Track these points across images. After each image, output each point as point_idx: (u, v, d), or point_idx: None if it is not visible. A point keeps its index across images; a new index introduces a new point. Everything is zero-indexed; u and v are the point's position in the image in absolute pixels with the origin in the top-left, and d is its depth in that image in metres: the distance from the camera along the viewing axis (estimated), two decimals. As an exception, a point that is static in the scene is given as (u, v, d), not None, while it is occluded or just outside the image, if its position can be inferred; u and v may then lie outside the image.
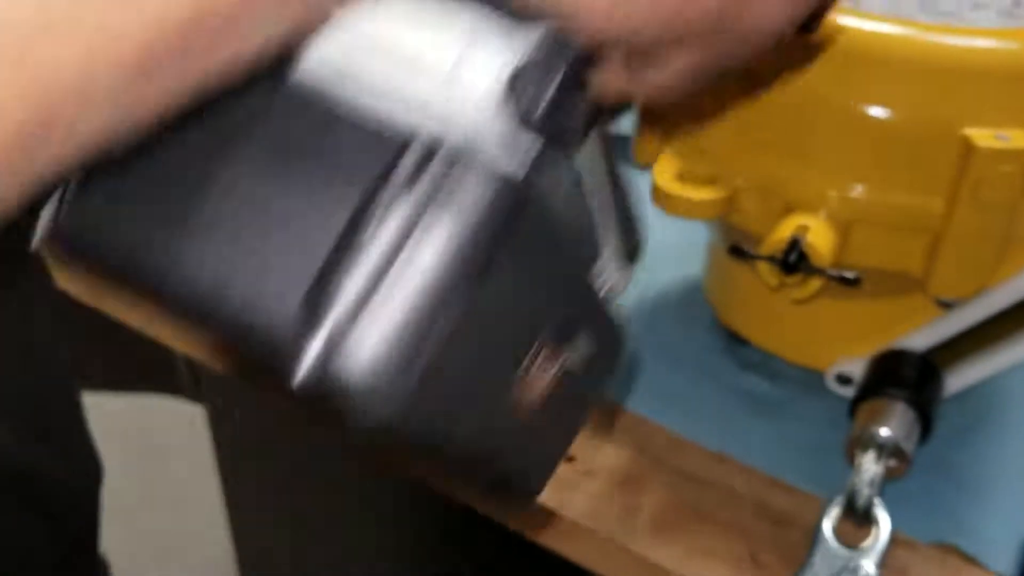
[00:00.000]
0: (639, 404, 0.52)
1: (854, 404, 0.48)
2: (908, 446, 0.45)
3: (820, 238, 0.43)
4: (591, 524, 0.47)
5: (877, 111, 0.42)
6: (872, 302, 0.50)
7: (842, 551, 0.44)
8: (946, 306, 0.48)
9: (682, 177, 0.47)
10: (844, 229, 0.44)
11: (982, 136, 0.41)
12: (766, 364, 0.54)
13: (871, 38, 0.42)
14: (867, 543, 0.44)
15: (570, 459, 0.49)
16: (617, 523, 0.47)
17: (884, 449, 0.45)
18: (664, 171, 0.47)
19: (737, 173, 0.46)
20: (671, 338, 0.56)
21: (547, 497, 0.41)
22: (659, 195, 0.46)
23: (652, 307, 0.57)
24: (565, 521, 0.47)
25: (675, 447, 0.50)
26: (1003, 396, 0.53)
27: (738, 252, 0.45)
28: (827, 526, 0.44)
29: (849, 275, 0.44)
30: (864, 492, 0.44)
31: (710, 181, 0.46)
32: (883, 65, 0.42)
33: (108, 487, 0.88)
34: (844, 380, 0.50)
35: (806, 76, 0.43)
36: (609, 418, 0.51)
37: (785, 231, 0.43)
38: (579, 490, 0.48)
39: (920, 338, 0.49)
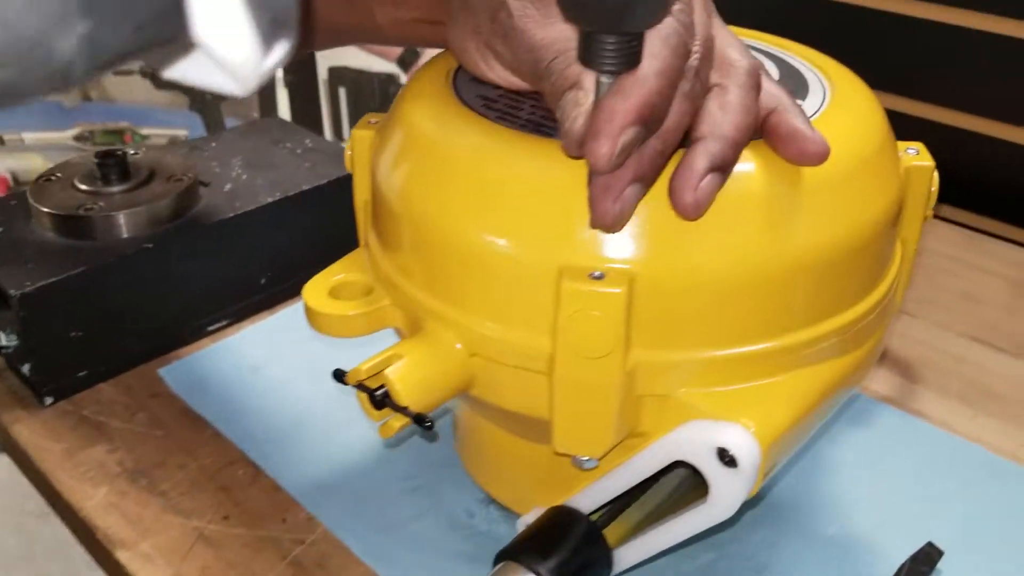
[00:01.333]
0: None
1: (497, 558, 0.42)
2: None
3: (410, 372, 0.38)
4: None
5: (485, 239, 0.37)
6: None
7: None
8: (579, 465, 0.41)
9: (336, 292, 0.44)
10: (464, 364, 0.39)
11: (574, 272, 0.35)
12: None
13: (477, 162, 0.38)
14: None
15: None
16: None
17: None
18: (315, 288, 0.44)
19: (386, 291, 0.43)
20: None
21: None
22: (308, 314, 0.43)
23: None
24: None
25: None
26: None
27: (338, 376, 0.40)
28: None
29: (426, 421, 0.39)
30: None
31: (366, 294, 0.43)
32: (486, 191, 0.38)
33: None
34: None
35: (428, 196, 0.39)
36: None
37: (380, 361, 0.39)
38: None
39: (583, 499, 0.42)
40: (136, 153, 0.65)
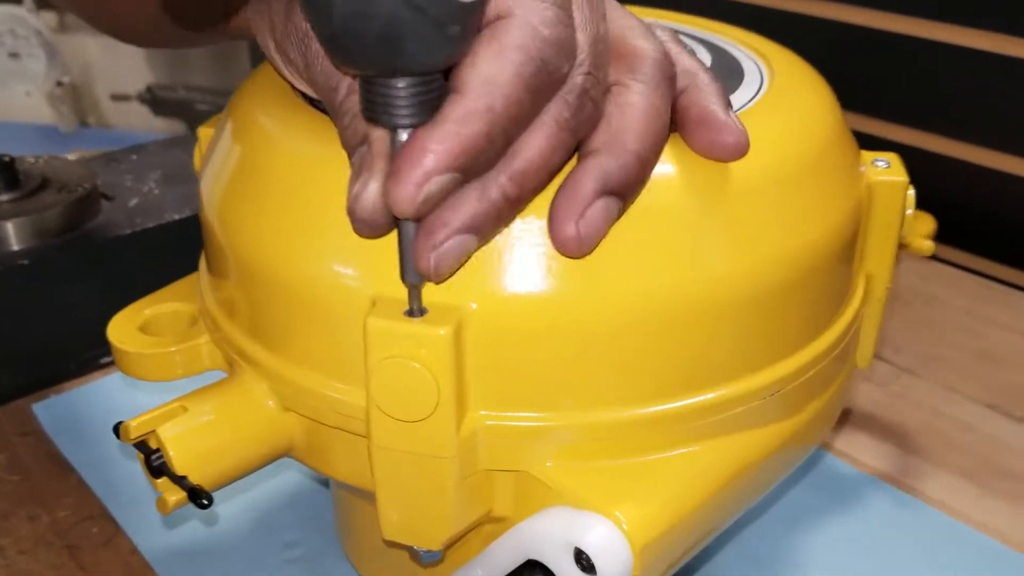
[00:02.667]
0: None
1: None
2: None
3: (191, 432, 0.30)
4: None
5: (296, 264, 0.29)
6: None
7: None
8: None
9: (150, 326, 0.36)
10: (275, 423, 0.31)
11: (386, 307, 0.27)
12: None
13: (279, 169, 0.31)
14: None
15: None
16: None
17: None
18: (124, 321, 0.36)
19: (206, 326, 0.35)
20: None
21: None
22: (114, 353, 0.36)
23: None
24: None
25: None
26: None
27: (116, 431, 0.32)
28: None
29: (202, 498, 0.31)
30: None
31: (189, 326, 0.36)
32: (290, 205, 0.30)
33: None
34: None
35: (242, 209, 0.31)
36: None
37: (156, 416, 0.31)
38: None
39: None
40: (35, 162, 0.58)
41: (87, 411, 0.53)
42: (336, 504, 0.41)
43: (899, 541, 0.46)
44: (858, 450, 0.52)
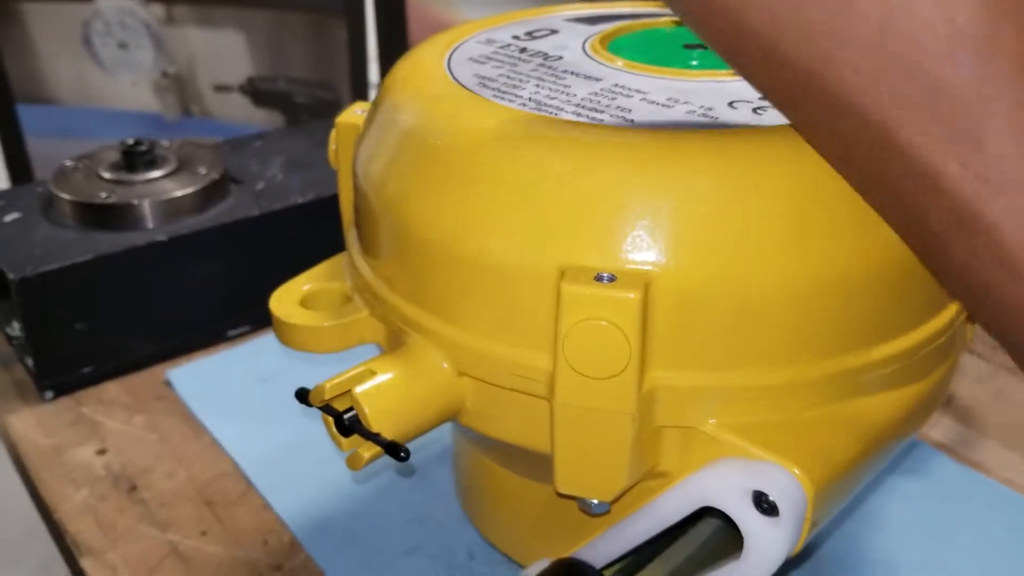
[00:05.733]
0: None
1: None
2: None
3: (384, 393, 0.32)
4: None
5: (474, 238, 0.32)
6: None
7: None
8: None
9: (309, 302, 0.39)
10: (450, 386, 0.33)
11: (577, 274, 0.29)
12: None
13: (462, 152, 0.32)
14: None
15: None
16: None
17: None
18: (285, 296, 0.39)
19: (363, 297, 0.37)
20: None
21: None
22: (275, 325, 0.38)
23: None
24: None
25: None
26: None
27: (301, 396, 0.34)
28: None
29: (400, 451, 0.32)
30: None
31: (343, 304, 0.38)
32: (476, 181, 0.32)
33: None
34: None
35: (410, 188, 0.33)
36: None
37: (348, 378, 0.33)
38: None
39: (593, 551, 0.36)
40: (169, 146, 0.62)
41: (216, 379, 0.57)
42: (468, 477, 0.44)
43: (971, 514, 0.47)
44: (962, 444, 0.53)
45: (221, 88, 1.45)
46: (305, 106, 1.33)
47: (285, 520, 0.47)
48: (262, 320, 0.61)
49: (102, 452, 0.52)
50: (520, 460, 0.38)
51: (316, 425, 0.53)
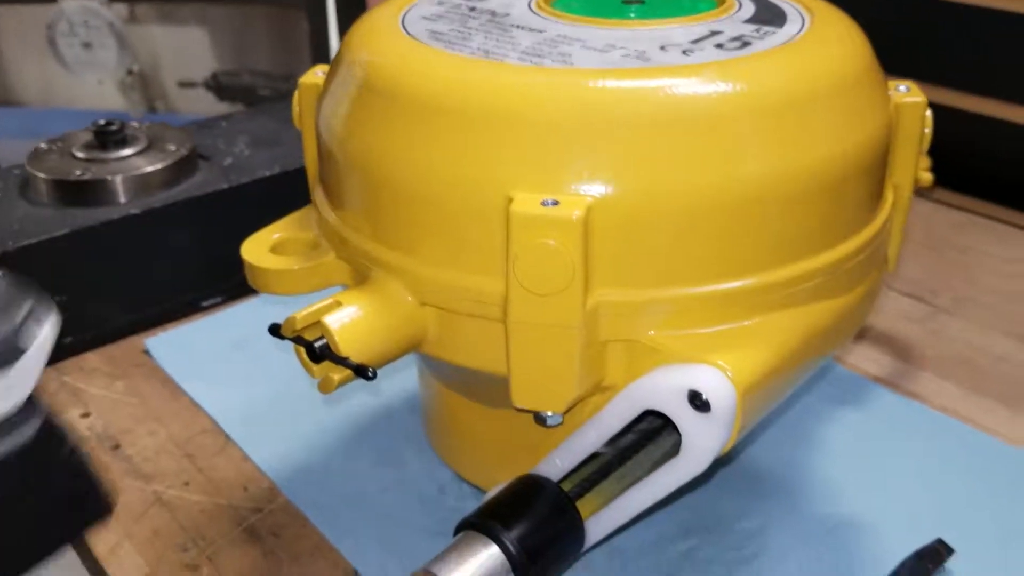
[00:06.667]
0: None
1: (457, 528, 0.37)
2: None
3: (351, 320, 0.35)
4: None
5: (429, 172, 0.34)
6: (523, 415, 0.39)
7: None
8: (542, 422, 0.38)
9: (278, 248, 0.41)
10: (413, 315, 0.36)
11: (525, 199, 0.32)
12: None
13: (415, 95, 0.35)
14: None
15: None
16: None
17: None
18: (255, 244, 0.41)
19: (329, 241, 0.40)
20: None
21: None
22: (248, 271, 0.41)
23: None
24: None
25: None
26: None
27: (274, 330, 0.37)
28: None
29: (367, 370, 0.35)
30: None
31: (310, 250, 0.40)
32: (428, 119, 0.35)
33: None
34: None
35: (369, 134, 0.36)
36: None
37: (318, 309, 0.36)
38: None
39: (550, 465, 0.38)
40: (139, 126, 0.64)
41: (193, 345, 0.59)
42: (435, 414, 0.47)
43: (912, 442, 0.50)
44: (901, 377, 0.56)
45: (185, 84, 1.46)
46: (269, 99, 1.35)
47: (264, 469, 0.50)
48: (235, 290, 0.63)
49: (86, 415, 0.54)
50: (480, 387, 0.41)
51: (290, 384, 0.55)
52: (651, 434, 0.37)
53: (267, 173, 0.62)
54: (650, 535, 0.45)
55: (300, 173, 0.59)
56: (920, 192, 0.80)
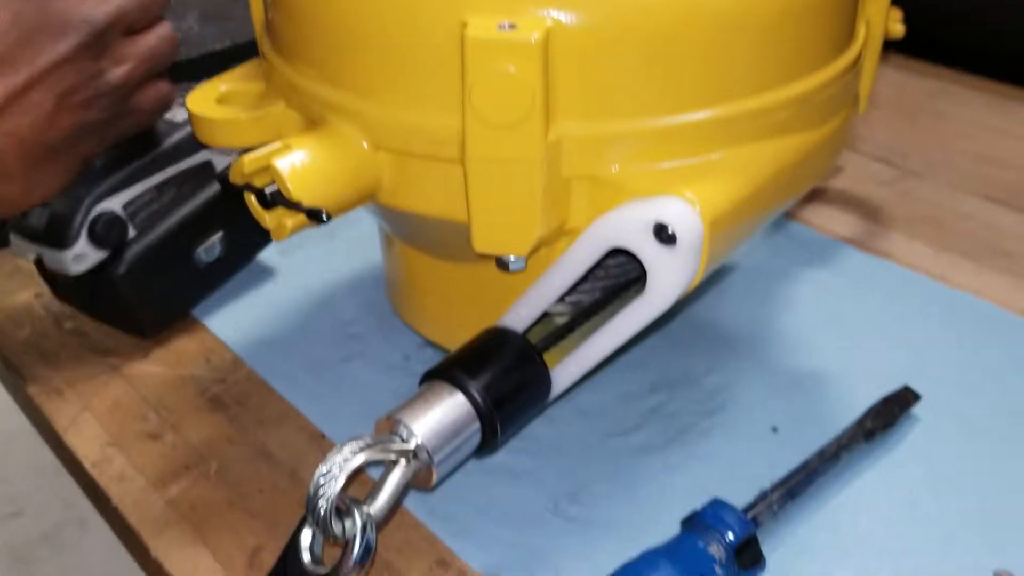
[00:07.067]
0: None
1: (422, 379, 0.37)
2: (440, 449, 0.34)
3: (301, 162, 0.34)
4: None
5: (381, 6, 0.33)
6: (485, 267, 0.38)
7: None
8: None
9: (225, 100, 0.39)
10: (368, 160, 0.35)
11: (481, 23, 0.30)
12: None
13: None
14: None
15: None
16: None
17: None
18: (201, 95, 0.39)
19: (279, 92, 0.38)
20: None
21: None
22: (193, 122, 0.39)
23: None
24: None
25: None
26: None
27: (222, 179, 0.37)
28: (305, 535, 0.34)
29: (320, 213, 0.34)
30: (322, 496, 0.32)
31: (259, 99, 0.39)
32: None
33: None
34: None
35: None
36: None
37: (267, 152, 0.34)
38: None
39: (515, 315, 0.37)
40: (81, 0, 0.61)
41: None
42: (398, 275, 0.46)
43: (879, 296, 0.50)
44: (869, 237, 0.56)
45: None
46: None
47: (226, 342, 0.49)
48: (191, 171, 0.61)
49: (40, 296, 0.52)
50: (441, 240, 0.40)
51: (258, 262, 0.54)
52: (616, 291, 0.36)
53: (218, 47, 0.60)
54: (616, 393, 0.44)
55: (251, 47, 0.58)
56: (894, 57, 0.78)
